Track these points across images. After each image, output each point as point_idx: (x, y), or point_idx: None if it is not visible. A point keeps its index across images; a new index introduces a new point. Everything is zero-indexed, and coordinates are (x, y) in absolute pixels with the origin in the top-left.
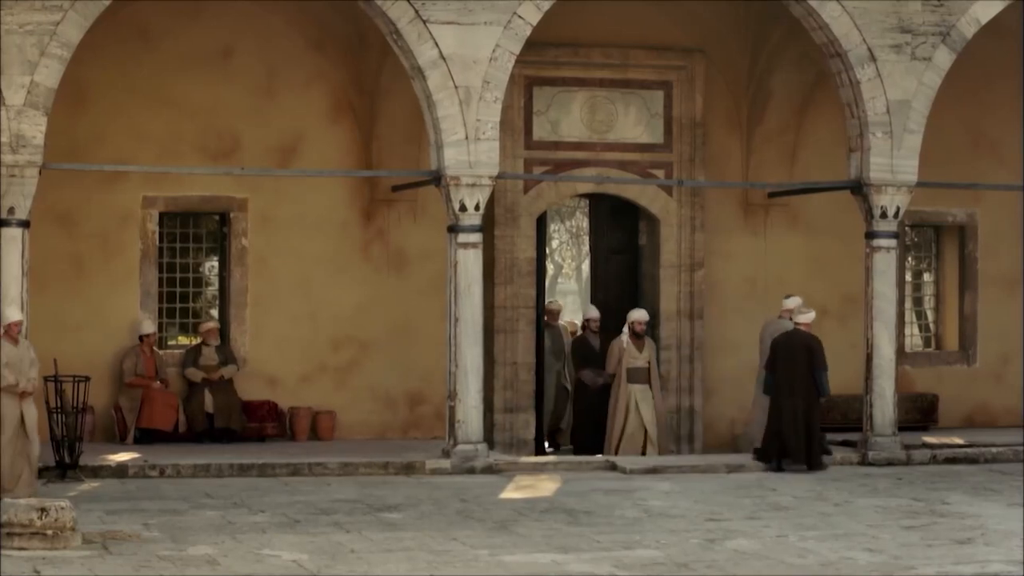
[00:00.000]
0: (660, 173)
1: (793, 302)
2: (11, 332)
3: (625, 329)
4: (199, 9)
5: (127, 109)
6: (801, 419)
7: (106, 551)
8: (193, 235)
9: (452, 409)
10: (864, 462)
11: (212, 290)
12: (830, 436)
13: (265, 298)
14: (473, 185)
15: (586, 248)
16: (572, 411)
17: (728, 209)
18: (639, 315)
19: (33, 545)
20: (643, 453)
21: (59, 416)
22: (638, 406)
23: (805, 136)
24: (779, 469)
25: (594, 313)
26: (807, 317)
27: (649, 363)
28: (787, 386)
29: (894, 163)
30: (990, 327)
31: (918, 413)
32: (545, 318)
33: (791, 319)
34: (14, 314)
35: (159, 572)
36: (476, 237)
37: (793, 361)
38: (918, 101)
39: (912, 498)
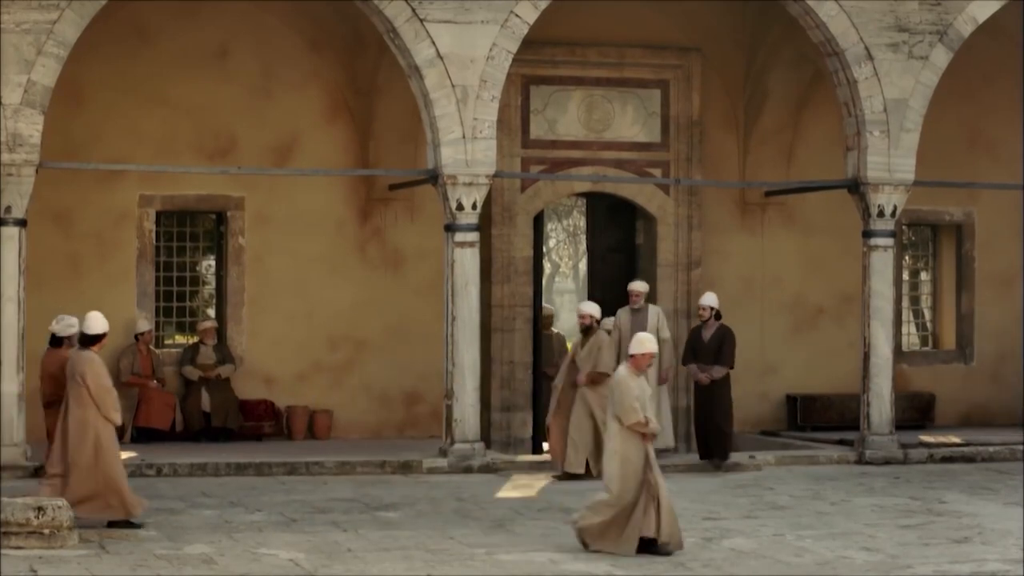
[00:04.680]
0: (657, 172)
1: None
2: (639, 364)
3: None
4: (196, 8)
5: (124, 108)
6: None
7: (103, 550)
8: (190, 234)
9: (449, 408)
10: (861, 461)
11: (209, 289)
12: (826, 435)
13: (262, 297)
14: (470, 184)
15: (583, 247)
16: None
17: (725, 208)
18: (579, 308)
19: (30, 544)
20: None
21: None
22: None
23: (802, 135)
24: None
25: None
26: None
27: (595, 361)
28: None
29: (891, 162)
30: (987, 326)
31: (915, 412)
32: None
33: None
34: (648, 344)
35: (156, 571)
36: (473, 236)
37: None
38: (915, 100)
39: (909, 497)
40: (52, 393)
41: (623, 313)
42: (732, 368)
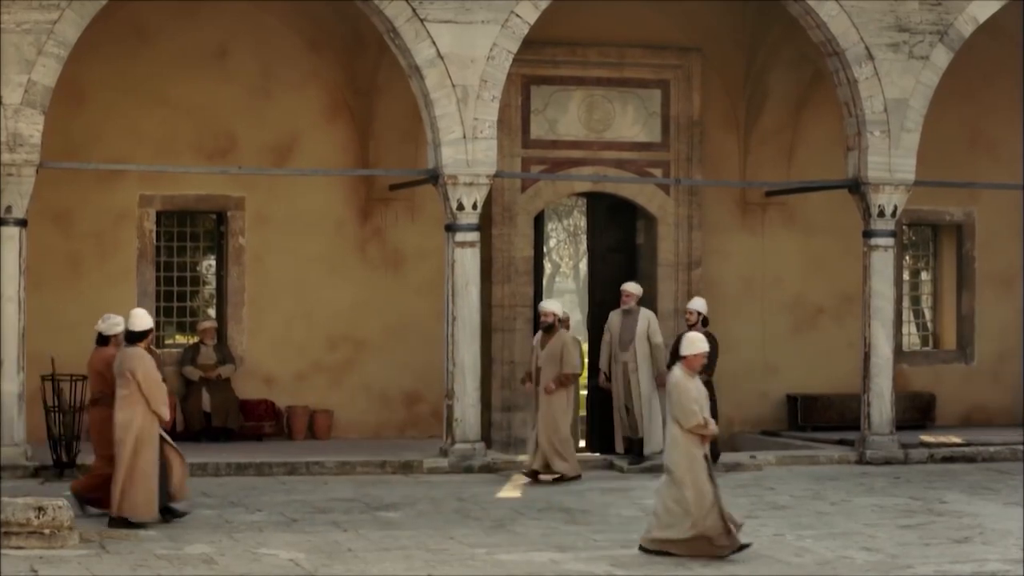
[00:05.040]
0: (657, 172)
1: None
2: (692, 364)
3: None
4: (195, 8)
5: (124, 108)
6: None
7: (103, 550)
8: (190, 234)
9: (449, 408)
10: (861, 461)
11: (209, 289)
12: (826, 435)
13: (262, 297)
14: (470, 184)
15: (584, 247)
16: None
17: (725, 208)
18: (541, 306)
19: (31, 544)
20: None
21: (56, 415)
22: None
23: (802, 135)
24: None
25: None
26: None
27: (560, 360)
28: None
29: (892, 162)
30: (987, 326)
31: (916, 412)
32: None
33: None
34: (699, 344)
35: (156, 571)
36: (473, 236)
37: None
38: (916, 100)
39: (909, 497)
40: (99, 391)
41: (614, 315)
42: (712, 376)
